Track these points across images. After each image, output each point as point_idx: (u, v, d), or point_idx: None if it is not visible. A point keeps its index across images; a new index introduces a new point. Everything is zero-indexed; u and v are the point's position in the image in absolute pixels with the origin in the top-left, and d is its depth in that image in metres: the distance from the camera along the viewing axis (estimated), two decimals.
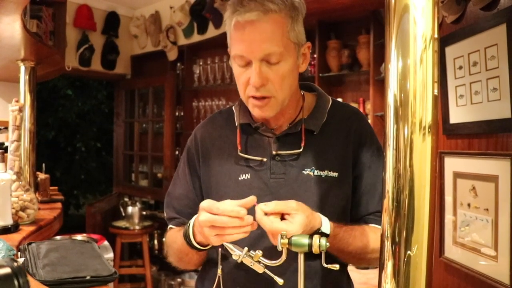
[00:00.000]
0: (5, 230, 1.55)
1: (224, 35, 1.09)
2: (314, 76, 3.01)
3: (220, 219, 0.90)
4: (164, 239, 1.20)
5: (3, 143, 2.39)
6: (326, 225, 0.98)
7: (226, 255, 1.01)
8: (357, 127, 1.12)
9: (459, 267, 1.53)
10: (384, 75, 0.65)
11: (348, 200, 1.11)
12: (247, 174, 1.09)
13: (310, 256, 0.91)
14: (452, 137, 1.60)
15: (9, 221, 1.58)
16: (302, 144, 1.08)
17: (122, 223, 4.00)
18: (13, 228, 1.59)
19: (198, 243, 1.01)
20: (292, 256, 0.91)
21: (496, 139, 1.38)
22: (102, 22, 4.28)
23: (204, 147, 1.17)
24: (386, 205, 0.64)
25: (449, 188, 1.59)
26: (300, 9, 1.04)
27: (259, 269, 0.92)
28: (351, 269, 1.22)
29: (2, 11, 1.57)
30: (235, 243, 0.94)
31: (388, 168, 0.64)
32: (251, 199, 0.92)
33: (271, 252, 0.94)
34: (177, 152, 4.08)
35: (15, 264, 0.66)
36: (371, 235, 1.06)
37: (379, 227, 1.06)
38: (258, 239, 1.03)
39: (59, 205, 2.29)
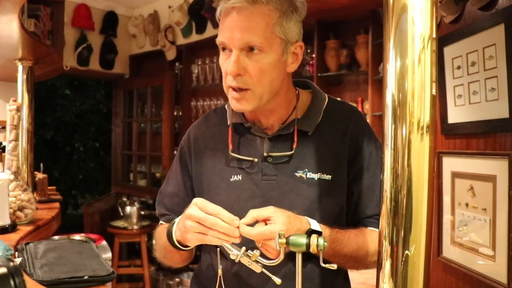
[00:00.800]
0: (3, 230, 1.55)
1: None
2: (312, 76, 3.01)
3: (212, 219, 0.90)
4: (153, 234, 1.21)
5: (0, 143, 2.38)
6: (315, 224, 0.97)
7: (224, 254, 1.01)
8: (354, 127, 1.09)
9: (457, 267, 1.53)
10: (383, 75, 0.65)
11: (342, 205, 1.08)
12: (238, 176, 1.07)
13: (308, 256, 0.91)
14: (450, 137, 1.60)
15: (6, 221, 1.58)
16: (294, 146, 1.05)
17: (120, 223, 4.00)
18: (11, 228, 1.59)
19: (178, 242, 1.02)
20: (290, 256, 0.91)
21: (494, 139, 1.38)
22: (100, 21, 4.27)
23: (197, 147, 1.16)
24: (384, 205, 0.64)
25: (447, 188, 1.59)
26: (299, 8, 1.02)
27: (257, 268, 0.92)
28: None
29: (0, 10, 1.56)
30: (234, 243, 0.94)
31: (386, 168, 0.64)
32: (236, 222, 0.91)
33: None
34: (175, 152, 4.05)
35: (11, 264, 0.66)
36: (369, 238, 1.03)
37: (377, 230, 1.05)
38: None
39: (57, 205, 2.28)
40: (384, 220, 0.64)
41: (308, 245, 0.87)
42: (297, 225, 0.93)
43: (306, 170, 1.04)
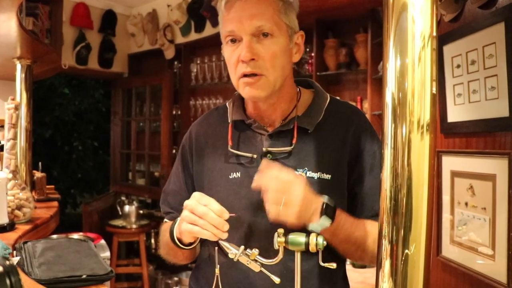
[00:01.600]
0: (1, 229, 1.55)
1: None
2: (311, 75, 3.01)
3: (203, 208, 0.92)
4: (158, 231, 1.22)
5: None
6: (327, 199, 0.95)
7: (223, 253, 1.00)
8: (356, 128, 1.08)
9: (456, 266, 1.53)
10: (382, 73, 0.65)
11: (341, 205, 1.05)
12: (237, 173, 1.07)
13: (307, 255, 0.90)
14: (450, 136, 1.60)
15: (5, 220, 1.57)
16: (294, 141, 1.05)
17: (119, 222, 4.00)
18: (9, 227, 1.58)
19: (178, 240, 1.03)
20: (289, 255, 0.91)
21: (494, 138, 1.38)
22: (99, 20, 4.26)
23: (198, 145, 1.16)
24: (384, 204, 0.64)
25: (446, 187, 1.59)
26: (293, 1, 1.05)
27: (256, 267, 0.92)
28: (348, 268, 1.22)
29: None
30: (233, 242, 0.94)
31: (386, 167, 0.63)
32: (226, 215, 0.93)
33: (268, 251, 0.93)
34: (174, 151, 4.07)
35: (7, 263, 0.65)
36: (371, 228, 1.02)
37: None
38: (254, 238, 1.02)
39: (55, 204, 2.28)
40: (384, 219, 0.64)
41: (307, 244, 0.86)
42: (312, 206, 0.92)
43: (306, 169, 1.04)
